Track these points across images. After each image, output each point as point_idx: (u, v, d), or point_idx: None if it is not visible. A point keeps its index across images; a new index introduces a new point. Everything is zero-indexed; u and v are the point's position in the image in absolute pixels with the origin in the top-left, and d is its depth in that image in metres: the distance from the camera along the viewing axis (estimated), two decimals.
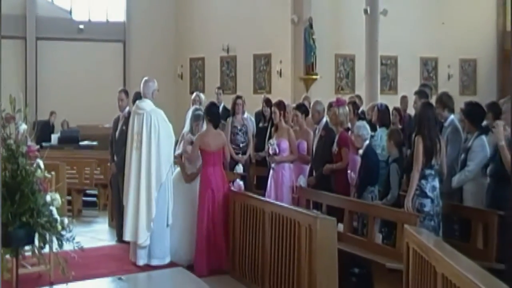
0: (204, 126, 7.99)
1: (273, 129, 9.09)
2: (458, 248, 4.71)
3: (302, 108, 8.85)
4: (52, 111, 18.16)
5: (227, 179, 7.91)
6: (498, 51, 22.01)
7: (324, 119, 8.46)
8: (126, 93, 9.44)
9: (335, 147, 7.98)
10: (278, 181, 8.40)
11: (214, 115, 7.93)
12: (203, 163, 7.79)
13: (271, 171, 8.57)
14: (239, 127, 10.15)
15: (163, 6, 21.16)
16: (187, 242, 7.79)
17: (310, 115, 9.04)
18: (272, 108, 8.97)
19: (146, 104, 7.79)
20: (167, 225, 7.70)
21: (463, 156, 7.09)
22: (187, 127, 8.40)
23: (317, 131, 8.42)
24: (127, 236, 7.67)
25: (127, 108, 9.06)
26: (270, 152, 8.38)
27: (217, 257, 7.57)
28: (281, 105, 8.80)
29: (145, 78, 8.08)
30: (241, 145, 10.10)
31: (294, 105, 9.77)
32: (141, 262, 7.61)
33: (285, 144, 8.43)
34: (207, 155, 7.73)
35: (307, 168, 8.62)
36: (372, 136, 8.08)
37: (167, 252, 7.73)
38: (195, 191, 7.84)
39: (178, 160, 8.14)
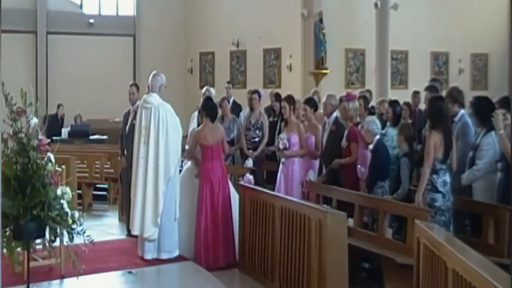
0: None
1: (282, 123, 9.07)
2: (469, 243, 4.70)
3: (311, 103, 8.84)
4: (59, 103, 18.22)
5: (227, 172, 7.93)
6: (510, 46, 21.81)
7: (334, 114, 8.44)
8: (137, 87, 9.44)
9: (344, 142, 7.96)
10: (288, 175, 8.40)
11: (211, 109, 7.93)
12: (202, 158, 7.77)
13: (280, 166, 8.56)
14: (253, 122, 10.12)
15: (173, 0, 21.17)
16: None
17: (321, 109, 9.02)
18: (282, 103, 8.95)
19: (154, 98, 7.79)
20: (175, 219, 7.71)
21: (471, 153, 6.97)
22: (194, 124, 8.43)
23: (327, 125, 8.41)
24: (135, 230, 7.68)
25: (138, 102, 9.06)
26: (280, 146, 8.38)
27: (214, 253, 7.50)
28: (290, 99, 8.78)
29: (154, 71, 8.07)
30: (252, 140, 10.07)
31: (303, 99, 9.73)
32: (149, 256, 7.62)
33: (295, 138, 8.42)
34: (206, 149, 7.73)
35: (316, 162, 8.61)
36: (383, 135, 8.04)
37: (176, 245, 7.73)
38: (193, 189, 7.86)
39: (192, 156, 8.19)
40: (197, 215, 7.62)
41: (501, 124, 5.83)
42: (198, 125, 8.31)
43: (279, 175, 8.56)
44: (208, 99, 8.29)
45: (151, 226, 7.56)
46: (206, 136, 7.74)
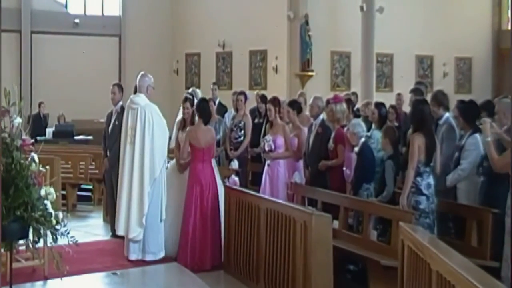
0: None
1: (268, 125, 9.07)
2: (452, 245, 4.72)
3: (294, 105, 8.83)
4: (40, 102, 18.09)
5: (217, 175, 7.89)
6: (494, 50, 22.06)
7: (321, 116, 8.46)
8: (120, 87, 9.39)
9: (331, 144, 7.98)
10: (273, 177, 8.41)
11: (205, 111, 7.88)
12: (192, 159, 7.72)
13: (266, 167, 8.57)
14: (235, 122, 10.13)
15: (159, 1, 21.13)
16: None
17: (307, 111, 9.04)
18: (267, 105, 8.95)
19: (140, 99, 7.76)
20: (161, 220, 7.68)
21: (456, 154, 7.09)
22: (180, 115, 8.43)
23: (313, 127, 8.42)
24: (120, 231, 7.66)
25: (120, 103, 9.03)
26: (266, 148, 8.39)
27: (200, 256, 7.46)
28: (276, 101, 8.80)
29: (142, 72, 8.05)
30: (235, 141, 10.08)
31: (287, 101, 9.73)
32: (134, 256, 7.59)
33: (280, 140, 8.43)
34: (197, 151, 7.69)
35: (301, 164, 8.62)
36: (368, 137, 8.07)
37: (161, 247, 7.71)
38: (180, 188, 7.84)
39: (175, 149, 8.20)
40: (184, 216, 7.59)
41: (488, 132, 5.89)
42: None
43: (264, 177, 8.56)
44: (203, 100, 8.21)
45: (136, 226, 7.53)
46: (199, 138, 7.71)
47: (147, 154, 7.56)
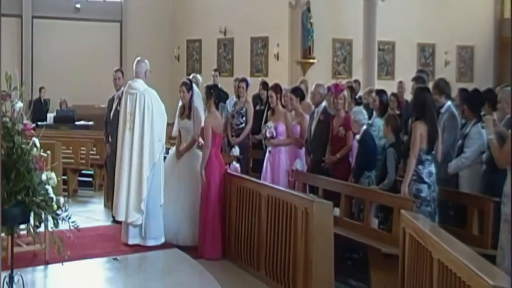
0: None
1: (269, 112, 9.05)
2: (453, 234, 4.73)
3: (297, 92, 8.81)
4: (41, 86, 18.06)
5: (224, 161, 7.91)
6: (496, 38, 21.97)
7: (323, 103, 8.44)
8: (122, 72, 9.38)
9: (342, 131, 7.94)
10: (274, 164, 8.40)
11: (220, 97, 7.95)
12: (213, 146, 7.58)
13: (267, 154, 8.56)
14: (237, 109, 10.12)
15: None
16: (183, 223, 7.75)
17: (308, 98, 9.01)
18: (269, 92, 8.94)
19: (139, 84, 7.75)
20: (160, 205, 7.68)
21: (460, 142, 7.10)
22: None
23: (315, 115, 8.41)
24: (120, 216, 7.66)
25: (122, 88, 9.01)
26: (268, 135, 8.37)
27: (220, 244, 7.49)
28: (277, 88, 8.77)
29: (138, 58, 8.04)
30: (236, 127, 10.06)
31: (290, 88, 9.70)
32: (134, 241, 7.59)
33: (282, 127, 8.42)
34: (218, 137, 7.68)
35: (303, 152, 8.61)
36: (370, 125, 8.06)
37: (162, 232, 7.71)
38: (192, 171, 7.80)
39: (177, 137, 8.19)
40: (207, 204, 7.47)
41: (491, 129, 5.88)
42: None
43: (266, 164, 8.55)
44: (216, 86, 8.26)
45: (135, 212, 7.54)
46: (219, 124, 7.78)
47: (147, 139, 7.56)
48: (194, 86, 8.31)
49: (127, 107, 7.71)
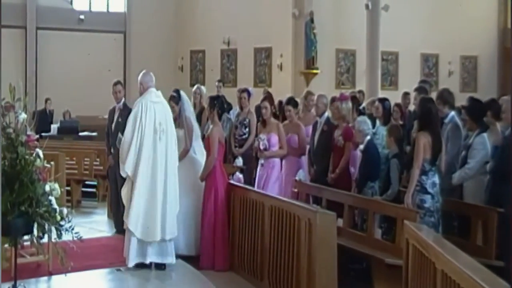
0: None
1: (259, 124, 8.92)
2: (457, 244, 4.70)
3: (292, 102, 8.80)
4: (47, 98, 18.11)
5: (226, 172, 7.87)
6: (499, 49, 22.00)
7: (326, 114, 8.45)
8: (122, 84, 9.41)
9: (341, 141, 7.95)
10: (265, 178, 8.31)
11: (223, 107, 7.89)
12: (218, 157, 7.56)
13: (259, 167, 8.50)
14: (240, 120, 10.11)
15: None
16: (180, 232, 7.65)
17: (312, 109, 9.01)
18: (263, 103, 8.78)
19: (160, 93, 7.51)
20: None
21: (463, 153, 7.08)
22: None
23: (318, 125, 8.41)
24: (155, 236, 7.09)
25: (123, 100, 9.05)
26: (261, 147, 8.27)
27: (224, 255, 7.45)
28: (271, 99, 8.80)
29: (145, 71, 7.84)
30: (239, 138, 10.05)
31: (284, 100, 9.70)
32: (170, 259, 7.26)
33: (274, 138, 8.33)
34: (222, 148, 7.67)
35: (304, 162, 8.60)
36: (374, 134, 8.06)
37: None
38: (188, 179, 7.76)
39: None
40: (212, 215, 7.40)
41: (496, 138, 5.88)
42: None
43: (257, 178, 8.49)
44: (218, 97, 8.18)
45: (173, 227, 7.22)
46: (222, 135, 7.74)
47: (175, 149, 7.37)
48: (182, 93, 8.18)
49: (156, 117, 7.27)
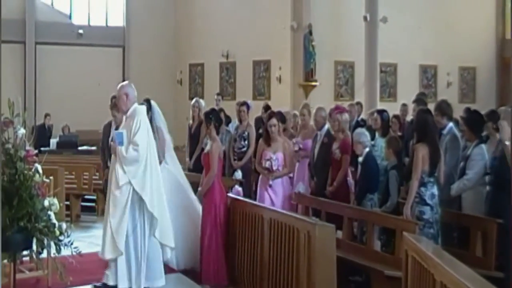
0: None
1: (262, 140, 8.38)
2: (457, 256, 4.70)
3: (280, 117, 8.49)
4: (46, 113, 18.13)
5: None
6: (498, 59, 22.08)
7: (326, 126, 8.44)
8: None
9: (338, 154, 7.94)
10: (276, 197, 8.20)
11: (219, 120, 7.82)
12: (218, 173, 7.50)
13: (268, 188, 8.08)
14: (239, 133, 10.11)
15: (162, 11, 21.20)
16: (184, 247, 7.66)
17: (312, 122, 8.99)
18: (272, 120, 8.15)
19: None
20: None
21: (462, 164, 7.08)
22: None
23: (318, 137, 8.41)
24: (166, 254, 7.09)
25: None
26: (274, 168, 7.99)
27: (223, 270, 7.38)
28: (282, 116, 8.78)
29: (126, 82, 7.61)
30: (238, 150, 10.06)
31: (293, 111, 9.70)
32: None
33: (281, 157, 8.06)
34: (220, 163, 7.61)
35: (306, 174, 8.59)
36: (372, 145, 8.07)
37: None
38: (185, 197, 7.79)
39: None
40: (212, 229, 7.34)
41: (507, 135, 5.89)
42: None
43: (266, 197, 8.08)
44: (213, 110, 8.15)
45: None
46: (221, 150, 7.67)
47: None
48: (154, 104, 7.86)
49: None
